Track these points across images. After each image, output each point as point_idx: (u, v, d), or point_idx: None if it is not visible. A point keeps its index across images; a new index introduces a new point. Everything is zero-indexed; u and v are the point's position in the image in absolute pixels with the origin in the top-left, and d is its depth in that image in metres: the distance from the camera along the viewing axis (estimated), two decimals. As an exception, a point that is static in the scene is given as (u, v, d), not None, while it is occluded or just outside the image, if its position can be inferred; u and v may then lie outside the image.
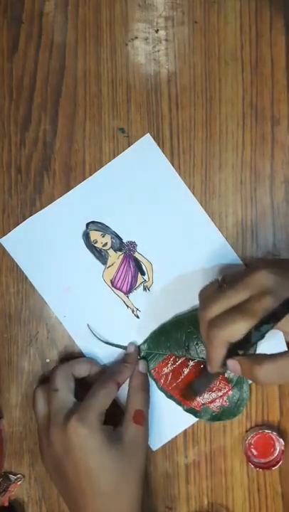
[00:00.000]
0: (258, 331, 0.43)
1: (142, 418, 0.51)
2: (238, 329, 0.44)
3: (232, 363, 0.45)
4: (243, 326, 0.43)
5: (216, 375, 0.51)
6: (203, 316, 0.46)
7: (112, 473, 0.48)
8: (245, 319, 0.43)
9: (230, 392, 0.54)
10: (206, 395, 0.54)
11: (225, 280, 0.49)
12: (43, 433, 0.52)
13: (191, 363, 0.54)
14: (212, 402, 0.54)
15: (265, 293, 0.44)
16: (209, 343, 0.46)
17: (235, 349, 0.45)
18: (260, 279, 0.45)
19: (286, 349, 0.45)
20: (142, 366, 0.55)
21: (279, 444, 0.54)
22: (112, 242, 0.56)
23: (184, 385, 0.54)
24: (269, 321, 0.43)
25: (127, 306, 0.56)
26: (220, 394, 0.54)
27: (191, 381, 0.53)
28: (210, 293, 0.48)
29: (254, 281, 0.45)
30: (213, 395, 0.54)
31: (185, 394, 0.54)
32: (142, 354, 0.55)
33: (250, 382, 0.54)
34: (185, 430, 0.56)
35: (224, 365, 0.46)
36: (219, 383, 0.54)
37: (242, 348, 0.45)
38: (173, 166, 0.55)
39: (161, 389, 0.55)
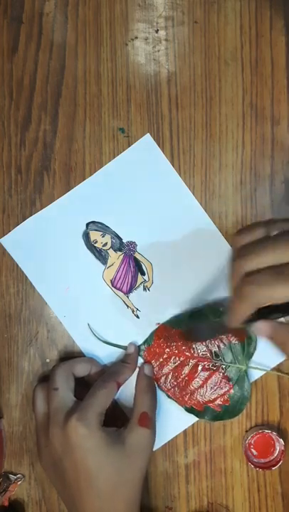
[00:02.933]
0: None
1: (148, 421, 0.51)
2: (281, 294, 0.37)
3: (261, 327, 0.40)
4: (288, 293, 0.37)
5: (226, 331, 0.48)
6: (240, 266, 0.39)
7: (110, 473, 0.48)
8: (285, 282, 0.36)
9: (231, 391, 0.54)
10: (208, 392, 0.54)
11: (275, 226, 0.40)
12: (41, 432, 0.52)
13: (192, 362, 0.54)
14: (214, 400, 0.54)
15: None
16: (239, 299, 0.39)
17: (265, 312, 0.39)
18: None
19: None
20: (147, 369, 0.55)
21: (279, 444, 0.54)
22: (112, 242, 0.56)
23: (190, 331, 0.51)
24: None
25: (127, 306, 0.56)
26: (221, 392, 0.54)
27: (198, 326, 0.50)
28: (252, 240, 0.40)
29: None
30: (215, 393, 0.54)
31: (186, 335, 0.52)
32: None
33: (252, 380, 0.54)
34: (185, 430, 0.56)
35: (246, 323, 0.41)
36: (220, 382, 0.54)
37: (275, 313, 0.39)
38: (173, 166, 0.55)
39: (161, 389, 0.55)
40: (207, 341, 0.54)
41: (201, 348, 0.54)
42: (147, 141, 0.56)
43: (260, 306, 0.39)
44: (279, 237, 0.39)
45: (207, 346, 0.54)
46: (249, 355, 0.54)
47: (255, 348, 0.53)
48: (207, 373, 0.54)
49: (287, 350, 0.40)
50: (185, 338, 0.53)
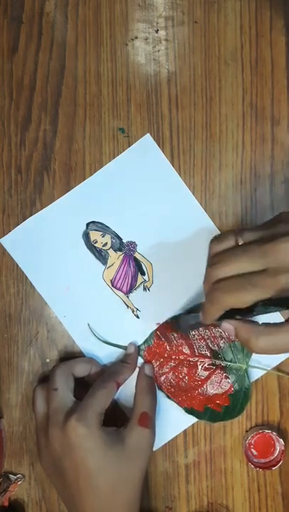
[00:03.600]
0: (264, 308, 0.41)
1: (148, 421, 0.51)
2: (243, 300, 0.40)
3: (227, 326, 0.44)
4: (250, 299, 0.40)
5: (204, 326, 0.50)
6: (210, 274, 0.43)
7: (110, 473, 0.48)
8: (254, 293, 0.40)
9: (231, 390, 0.54)
10: (208, 391, 0.54)
11: (242, 236, 0.43)
12: (41, 432, 0.52)
13: (192, 362, 0.54)
14: (214, 400, 0.54)
15: (285, 270, 0.39)
16: (209, 303, 0.43)
17: (233, 312, 0.43)
18: (284, 253, 0.39)
19: (282, 320, 0.44)
20: (147, 369, 0.55)
21: (279, 444, 0.54)
22: (112, 242, 0.56)
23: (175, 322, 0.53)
24: (280, 304, 0.40)
25: (127, 306, 0.56)
26: (221, 392, 0.54)
27: (182, 314, 0.52)
28: (222, 249, 0.44)
29: (275, 252, 0.40)
30: (215, 393, 0.54)
31: (172, 324, 0.53)
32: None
33: (252, 380, 0.54)
34: (185, 430, 0.56)
35: (218, 320, 0.44)
36: (220, 382, 0.54)
37: (241, 314, 0.43)
38: (173, 166, 0.55)
39: (161, 389, 0.55)
40: (207, 340, 0.54)
41: (201, 348, 0.54)
42: (147, 141, 0.56)
43: (226, 309, 0.43)
44: (246, 246, 0.42)
45: (207, 345, 0.54)
46: (249, 353, 0.54)
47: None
48: (207, 373, 0.54)
49: (250, 346, 0.43)
50: (171, 327, 0.54)
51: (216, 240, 0.45)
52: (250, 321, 0.44)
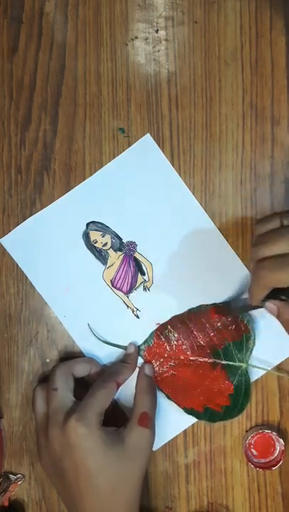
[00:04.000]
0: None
1: (148, 420, 0.51)
2: (286, 279, 0.43)
3: (271, 306, 0.46)
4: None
5: (250, 309, 0.51)
6: (255, 253, 0.45)
7: (109, 473, 0.48)
8: None
9: (232, 391, 0.54)
10: (208, 391, 0.54)
11: (287, 217, 0.46)
12: (41, 432, 0.52)
13: (192, 362, 0.54)
14: (214, 400, 0.54)
15: None
16: (254, 281, 0.45)
17: (278, 292, 0.45)
18: None
19: None
20: (147, 369, 0.55)
21: (279, 444, 0.54)
22: (112, 242, 0.56)
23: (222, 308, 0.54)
24: None
25: (127, 306, 0.56)
26: (221, 391, 0.54)
27: (233, 298, 0.54)
28: (267, 229, 0.46)
29: None
30: (215, 392, 0.54)
31: (222, 309, 0.54)
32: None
33: (252, 380, 0.54)
34: (185, 430, 0.56)
35: (263, 301, 0.47)
36: (221, 381, 0.54)
37: (286, 295, 0.45)
38: (173, 166, 0.55)
39: (161, 389, 0.55)
40: (207, 340, 0.54)
41: (201, 348, 0.54)
42: (147, 141, 0.56)
43: (271, 288, 0.44)
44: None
45: (207, 345, 0.54)
46: (249, 350, 0.53)
47: (254, 343, 0.53)
48: (207, 373, 0.54)
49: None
50: (217, 312, 0.54)
51: (261, 221, 0.47)
52: None
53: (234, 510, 0.56)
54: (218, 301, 0.55)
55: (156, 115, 0.56)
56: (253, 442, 0.54)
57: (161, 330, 0.55)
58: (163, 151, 0.56)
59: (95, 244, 0.56)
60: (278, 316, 0.46)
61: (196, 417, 0.54)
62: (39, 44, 0.56)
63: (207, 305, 0.55)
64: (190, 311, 0.55)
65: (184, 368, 0.54)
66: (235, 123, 0.55)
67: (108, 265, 0.56)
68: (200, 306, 0.55)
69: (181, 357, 0.54)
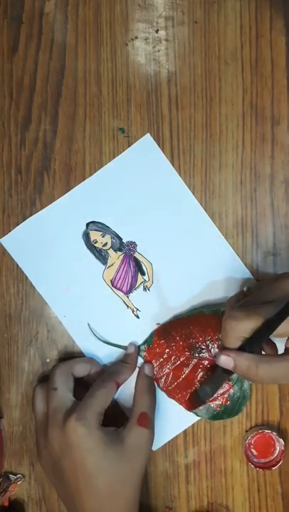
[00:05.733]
0: (267, 330, 0.44)
1: (147, 421, 0.51)
2: (249, 324, 0.44)
3: (224, 358, 0.46)
4: (255, 322, 0.44)
5: (223, 380, 0.51)
6: (226, 314, 0.47)
7: (109, 473, 0.48)
8: (257, 316, 0.44)
9: (231, 391, 0.54)
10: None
11: (250, 290, 0.50)
12: (41, 432, 0.52)
13: (192, 362, 0.54)
14: (213, 400, 0.54)
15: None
16: (224, 334, 0.46)
17: (244, 347, 0.45)
18: (285, 285, 0.46)
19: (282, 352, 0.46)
20: (147, 369, 0.55)
21: (279, 444, 0.54)
22: (112, 242, 0.56)
23: (189, 394, 0.54)
24: (273, 321, 0.44)
25: (127, 306, 0.56)
26: (221, 392, 0.54)
27: (196, 389, 0.53)
28: (235, 300, 0.50)
29: (279, 286, 0.46)
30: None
31: (192, 402, 0.54)
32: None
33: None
34: (185, 430, 0.56)
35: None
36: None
37: (250, 346, 0.45)
38: (173, 166, 0.55)
39: (161, 389, 0.55)
40: (207, 342, 0.54)
41: (201, 348, 0.54)
42: (147, 141, 0.56)
43: (241, 340, 0.45)
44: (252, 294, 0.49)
45: (207, 346, 0.54)
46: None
47: None
48: (207, 373, 0.54)
49: (249, 375, 0.45)
50: (191, 407, 0.54)
51: (230, 298, 0.51)
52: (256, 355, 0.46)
53: (234, 510, 0.56)
54: (213, 298, 0.55)
55: (156, 115, 0.56)
56: (253, 442, 0.54)
57: (161, 330, 0.55)
58: (163, 151, 0.56)
59: (95, 244, 0.56)
60: (234, 368, 0.46)
61: (196, 415, 0.54)
62: (39, 44, 0.56)
63: (208, 308, 0.55)
64: (191, 311, 0.55)
65: (184, 368, 0.54)
66: (235, 123, 0.55)
67: (108, 265, 0.56)
68: (201, 309, 0.55)
69: (181, 357, 0.54)
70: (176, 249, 0.56)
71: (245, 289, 0.51)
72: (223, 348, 0.47)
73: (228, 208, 0.56)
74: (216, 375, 0.49)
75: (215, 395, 0.53)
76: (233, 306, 0.48)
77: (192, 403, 0.54)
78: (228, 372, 0.48)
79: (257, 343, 0.45)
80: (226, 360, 0.46)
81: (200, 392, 0.51)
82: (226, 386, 0.54)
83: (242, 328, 0.45)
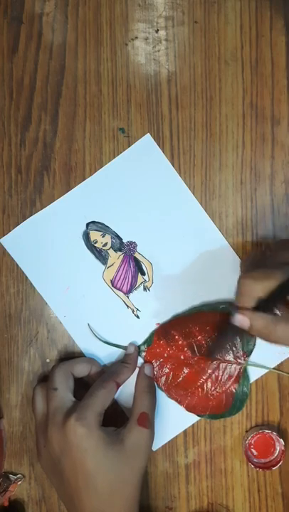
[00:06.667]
0: (284, 291, 0.43)
1: (147, 421, 0.51)
2: (266, 284, 0.44)
3: (240, 318, 0.45)
4: (272, 283, 0.44)
5: (233, 335, 0.51)
6: (243, 274, 0.47)
7: (108, 473, 0.48)
8: (274, 277, 0.44)
9: (232, 389, 0.54)
10: (209, 387, 0.54)
11: (268, 249, 0.49)
12: (40, 432, 0.52)
13: (192, 362, 0.54)
14: (214, 399, 0.54)
15: None
16: (239, 293, 0.46)
17: (259, 308, 0.45)
18: None
19: None
20: (147, 369, 0.55)
21: (279, 444, 0.54)
22: (112, 242, 0.56)
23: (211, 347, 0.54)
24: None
25: (127, 306, 0.56)
26: (221, 390, 0.54)
27: (209, 343, 0.53)
28: (252, 259, 0.49)
29: None
30: (216, 389, 0.54)
31: (207, 355, 0.53)
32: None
33: (252, 380, 0.54)
34: (185, 430, 0.56)
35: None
36: (220, 380, 0.54)
37: (266, 307, 0.45)
38: (173, 166, 0.55)
39: (161, 389, 0.55)
40: (207, 339, 0.54)
41: (200, 347, 0.54)
42: (147, 141, 0.56)
43: (256, 299, 0.45)
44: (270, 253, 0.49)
45: (207, 345, 0.54)
46: (248, 352, 0.53)
47: (254, 345, 0.53)
48: (207, 372, 0.54)
49: (266, 334, 0.45)
50: (208, 355, 0.54)
51: (248, 256, 0.51)
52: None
53: (234, 510, 0.56)
54: (213, 298, 0.55)
55: (156, 115, 0.56)
56: (253, 442, 0.54)
57: (161, 330, 0.55)
58: (163, 151, 0.56)
59: (95, 244, 0.56)
60: (249, 327, 0.46)
61: (196, 414, 0.54)
62: (39, 44, 0.56)
63: (207, 306, 0.55)
64: (190, 311, 0.55)
65: (184, 368, 0.54)
66: (235, 123, 0.55)
67: (108, 265, 0.56)
68: (200, 307, 0.55)
69: (181, 357, 0.54)
70: (176, 249, 0.55)
71: (263, 248, 0.50)
72: (236, 307, 0.46)
73: (228, 208, 0.56)
74: (229, 331, 0.49)
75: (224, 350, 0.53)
76: (248, 266, 0.47)
77: (207, 356, 0.54)
78: (236, 333, 0.47)
79: (273, 304, 0.45)
80: (242, 319, 0.45)
81: (212, 348, 0.52)
82: (226, 384, 0.54)
83: (259, 288, 0.44)
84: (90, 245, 0.56)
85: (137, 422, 0.51)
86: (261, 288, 0.44)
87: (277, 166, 0.55)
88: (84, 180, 0.56)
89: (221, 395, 0.54)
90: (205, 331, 0.54)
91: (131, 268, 0.56)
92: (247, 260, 0.50)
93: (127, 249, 0.56)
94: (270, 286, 0.44)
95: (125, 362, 0.55)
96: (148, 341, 0.55)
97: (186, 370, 0.54)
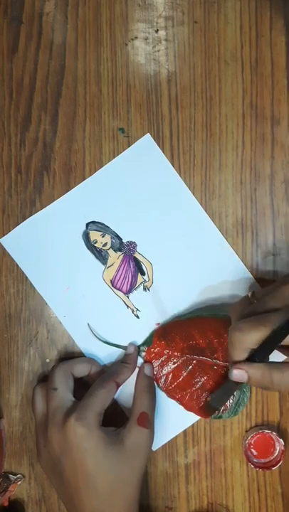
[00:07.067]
0: (275, 340, 0.43)
1: (147, 421, 0.51)
2: (256, 335, 0.44)
3: (237, 372, 0.45)
4: (261, 333, 0.43)
5: (234, 389, 0.51)
6: (232, 326, 0.46)
7: (108, 473, 0.48)
8: (263, 327, 0.43)
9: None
10: (209, 387, 0.54)
11: (254, 295, 0.49)
12: (40, 432, 0.52)
13: (192, 363, 0.54)
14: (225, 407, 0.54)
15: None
16: (231, 346, 0.45)
17: (254, 358, 0.45)
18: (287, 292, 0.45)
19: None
20: (147, 369, 0.55)
21: (279, 444, 0.54)
22: (112, 242, 0.56)
23: (202, 402, 0.53)
24: (281, 331, 0.43)
25: (127, 306, 0.56)
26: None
27: (208, 398, 0.52)
28: (240, 307, 0.49)
29: (283, 293, 0.45)
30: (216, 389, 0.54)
31: (205, 411, 0.53)
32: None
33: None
34: (185, 430, 0.56)
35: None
36: (220, 380, 0.54)
37: (260, 356, 0.45)
38: (173, 166, 0.55)
39: (161, 389, 0.55)
40: (206, 340, 0.54)
41: (200, 347, 0.54)
42: (147, 141, 0.56)
43: (248, 351, 0.45)
44: (257, 301, 0.48)
45: (207, 348, 0.54)
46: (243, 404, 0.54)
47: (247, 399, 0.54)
48: (207, 372, 0.54)
49: (264, 386, 0.45)
50: (205, 415, 0.54)
51: (234, 304, 0.51)
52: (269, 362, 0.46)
53: (234, 510, 0.56)
54: (213, 298, 0.55)
55: (156, 115, 0.56)
56: (252, 442, 0.54)
57: (161, 331, 0.55)
58: (163, 151, 0.56)
59: (95, 244, 0.56)
60: (248, 380, 0.45)
61: (197, 415, 0.54)
62: (39, 44, 0.56)
63: (208, 311, 0.55)
64: (190, 315, 0.55)
65: (183, 368, 0.54)
66: (235, 123, 0.55)
67: (108, 265, 0.56)
68: (201, 312, 0.55)
69: (181, 358, 0.54)
70: (176, 249, 0.55)
71: (249, 294, 0.49)
72: (231, 362, 0.46)
73: (228, 208, 0.56)
74: (228, 385, 0.49)
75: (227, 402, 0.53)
76: (238, 315, 0.47)
77: (206, 412, 0.53)
78: (239, 383, 0.47)
79: (265, 354, 0.45)
80: (239, 374, 0.45)
81: (212, 402, 0.51)
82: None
83: (248, 339, 0.44)
84: (90, 245, 0.56)
85: (136, 421, 0.51)
86: (251, 339, 0.44)
87: (277, 166, 0.55)
88: (84, 180, 0.56)
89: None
90: (205, 335, 0.54)
91: (131, 268, 0.56)
92: (235, 308, 0.49)
93: (127, 249, 0.56)
94: (260, 336, 0.43)
95: (125, 362, 0.55)
96: (148, 341, 0.55)
97: (185, 371, 0.54)
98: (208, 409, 0.53)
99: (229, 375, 0.46)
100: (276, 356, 0.54)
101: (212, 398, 0.51)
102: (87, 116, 0.56)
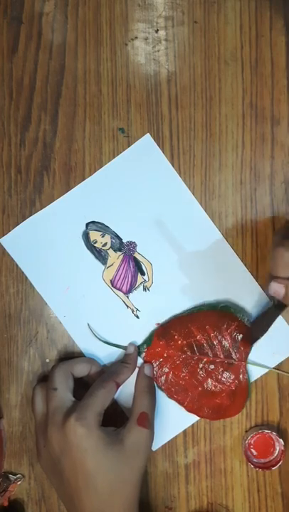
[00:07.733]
0: None
1: (147, 421, 0.51)
2: None
3: (276, 286, 0.45)
4: None
5: (274, 317, 0.50)
6: (276, 242, 0.47)
7: (108, 473, 0.48)
8: None
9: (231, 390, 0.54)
10: (209, 387, 0.54)
11: None
12: (40, 432, 0.52)
13: (192, 362, 0.54)
14: (214, 398, 0.54)
15: None
16: (273, 262, 0.46)
17: None
18: None
19: None
20: (146, 369, 0.55)
21: (279, 444, 0.54)
22: (111, 242, 0.56)
23: (245, 332, 0.53)
24: None
25: (127, 306, 0.56)
26: (221, 390, 0.54)
27: (250, 327, 0.52)
28: (285, 230, 0.49)
29: None
30: (216, 389, 0.54)
31: (248, 341, 0.53)
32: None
33: (252, 380, 0.54)
34: (185, 430, 0.56)
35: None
36: (220, 380, 0.54)
37: None
38: (173, 166, 0.55)
39: (161, 389, 0.55)
40: (207, 339, 0.54)
41: (200, 347, 0.54)
42: (147, 141, 0.56)
43: None
44: None
45: (207, 344, 0.54)
46: (248, 351, 0.53)
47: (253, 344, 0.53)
48: (207, 372, 0.54)
49: None
50: (249, 343, 0.53)
51: (280, 228, 0.50)
52: None
53: (234, 510, 0.56)
54: (213, 298, 0.55)
55: (156, 115, 0.56)
56: (252, 442, 0.54)
57: (161, 330, 0.55)
58: (163, 151, 0.56)
59: (95, 244, 0.56)
60: (285, 296, 0.45)
61: (197, 415, 0.54)
62: (39, 44, 0.56)
63: (207, 305, 0.55)
64: (190, 310, 0.55)
65: (183, 368, 0.54)
66: (235, 123, 0.55)
67: (108, 265, 0.56)
68: (200, 307, 0.55)
69: (181, 357, 0.54)
70: (176, 250, 0.55)
71: None
72: (271, 277, 0.46)
73: (228, 208, 0.56)
74: (267, 312, 0.48)
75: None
76: (281, 237, 0.47)
77: (248, 342, 0.53)
78: (280, 308, 0.46)
79: None
80: (278, 288, 0.45)
81: (253, 332, 0.50)
82: (225, 383, 0.54)
83: None
84: (90, 245, 0.56)
85: (136, 421, 0.51)
86: None
87: (277, 166, 0.55)
88: (84, 180, 0.56)
89: (220, 394, 0.54)
90: (204, 331, 0.54)
91: (131, 268, 0.56)
92: (279, 232, 0.49)
93: (127, 249, 0.56)
94: None
95: (125, 362, 0.55)
96: (148, 341, 0.55)
97: (185, 370, 0.54)
98: (249, 339, 0.52)
99: (268, 290, 0.45)
100: (277, 356, 0.55)
101: (252, 329, 0.50)
102: (87, 116, 0.56)
